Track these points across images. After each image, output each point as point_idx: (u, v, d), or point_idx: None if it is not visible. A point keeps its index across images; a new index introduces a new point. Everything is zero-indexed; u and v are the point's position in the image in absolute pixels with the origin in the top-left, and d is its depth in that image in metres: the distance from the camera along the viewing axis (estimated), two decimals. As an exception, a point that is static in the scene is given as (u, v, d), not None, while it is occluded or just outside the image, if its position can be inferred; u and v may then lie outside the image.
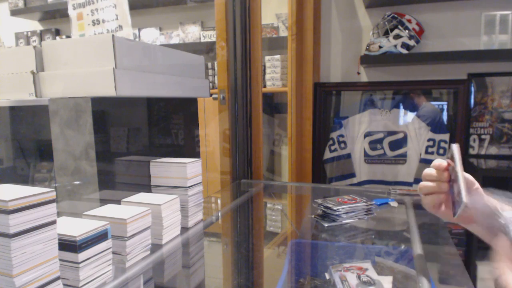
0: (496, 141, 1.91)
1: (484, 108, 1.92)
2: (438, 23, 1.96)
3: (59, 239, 0.63)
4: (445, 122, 1.97)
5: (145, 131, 1.15)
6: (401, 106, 2.04)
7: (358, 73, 2.08)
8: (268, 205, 1.53)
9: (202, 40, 2.62)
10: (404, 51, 1.87)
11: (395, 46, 1.86)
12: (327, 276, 0.82)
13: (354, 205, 1.18)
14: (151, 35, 2.77)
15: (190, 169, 1.03)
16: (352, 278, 0.78)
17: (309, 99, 2.01)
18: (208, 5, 2.59)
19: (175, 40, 2.72)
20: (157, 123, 1.19)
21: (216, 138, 1.74)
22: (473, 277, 1.69)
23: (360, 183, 2.07)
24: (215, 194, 1.64)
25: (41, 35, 3.05)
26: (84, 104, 0.89)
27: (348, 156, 2.09)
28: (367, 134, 2.06)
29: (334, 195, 1.31)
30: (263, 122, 1.82)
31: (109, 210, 0.84)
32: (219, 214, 1.34)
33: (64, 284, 0.66)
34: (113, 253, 0.77)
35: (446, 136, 1.93)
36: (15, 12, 2.97)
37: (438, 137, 1.93)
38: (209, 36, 2.59)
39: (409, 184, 1.98)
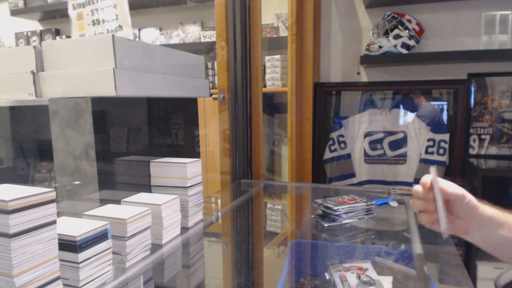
0: (496, 141, 1.91)
1: (484, 108, 1.92)
2: (438, 23, 1.96)
3: (59, 239, 0.63)
4: (445, 122, 1.97)
5: (145, 131, 1.15)
6: (401, 106, 2.04)
7: (358, 73, 2.08)
8: (268, 205, 1.53)
9: (202, 40, 2.62)
10: (404, 51, 1.87)
11: (395, 46, 1.86)
12: (327, 276, 0.82)
13: (354, 205, 1.18)
14: (151, 35, 2.77)
15: (190, 169, 1.03)
16: (352, 278, 0.78)
17: (309, 99, 2.01)
18: (208, 5, 2.59)
19: (175, 40, 2.72)
20: (157, 123, 1.19)
21: (216, 138, 1.74)
22: (473, 277, 1.69)
23: (360, 183, 2.07)
24: (215, 194, 1.64)
25: (41, 35, 3.05)
26: (84, 104, 0.89)
27: (348, 156, 2.09)
28: (367, 134, 2.06)
29: (334, 195, 1.31)
30: (263, 122, 1.82)
31: (109, 210, 0.84)
32: (219, 214, 1.34)
33: (64, 284, 0.66)
34: (113, 253, 0.77)
35: (446, 136, 1.93)
36: (15, 12, 2.97)
37: (438, 137, 1.93)
38: (209, 36, 2.59)
39: (409, 184, 1.98)
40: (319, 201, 1.22)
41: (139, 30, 2.78)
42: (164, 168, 1.04)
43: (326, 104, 2.15)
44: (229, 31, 1.65)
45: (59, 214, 0.66)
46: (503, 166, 1.76)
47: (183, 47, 2.64)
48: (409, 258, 0.90)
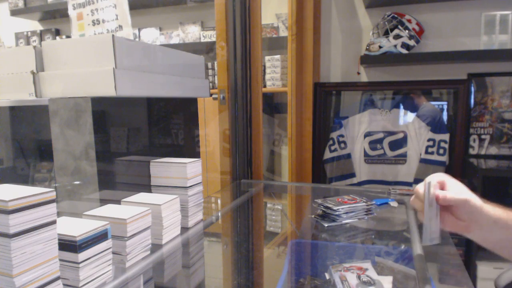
0: (496, 141, 1.91)
1: (484, 108, 1.92)
2: (438, 23, 1.96)
3: (59, 239, 0.63)
4: (445, 122, 1.97)
5: (145, 131, 1.15)
6: (401, 106, 2.04)
7: (358, 73, 2.08)
8: (268, 205, 1.53)
9: (202, 40, 2.62)
10: (404, 51, 1.87)
11: (395, 46, 1.86)
12: (327, 276, 0.82)
13: (354, 205, 1.18)
14: (151, 35, 2.77)
15: (190, 169, 1.03)
16: (352, 278, 0.78)
17: (309, 99, 2.01)
18: (208, 5, 2.59)
19: (175, 40, 2.72)
20: (157, 123, 1.19)
21: (216, 138, 1.74)
22: (473, 277, 1.69)
23: (360, 183, 2.07)
24: (215, 194, 1.64)
25: (41, 35, 3.05)
26: (84, 104, 0.89)
27: (348, 156, 2.09)
28: (367, 134, 2.06)
29: (334, 195, 1.31)
30: (263, 122, 1.82)
31: (109, 210, 0.84)
32: (219, 214, 1.34)
33: (64, 284, 0.66)
34: (113, 253, 0.77)
35: (446, 136, 1.93)
36: (15, 12, 2.97)
37: (438, 137, 1.93)
38: (209, 36, 2.59)
39: (409, 184, 1.98)
40: (319, 201, 1.22)
41: (139, 30, 2.78)
42: (164, 168, 1.04)
43: (326, 104, 2.15)
44: (229, 31, 1.65)
45: (59, 214, 0.66)
46: (503, 166, 1.76)
47: (183, 47, 2.64)
48: (409, 258, 0.90)
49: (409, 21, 1.88)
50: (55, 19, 3.07)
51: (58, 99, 0.90)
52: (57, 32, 3.06)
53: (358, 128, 2.08)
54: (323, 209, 1.18)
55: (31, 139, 1.05)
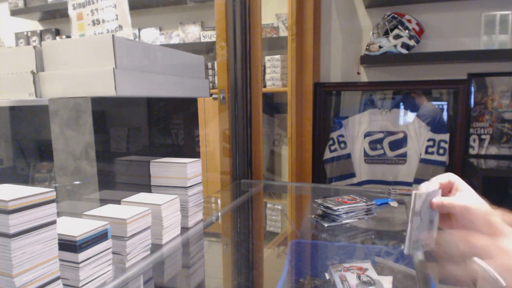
0: (496, 141, 1.91)
1: (484, 108, 1.92)
2: (438, 23, 1.96)
3: (59, 239, 0.63)
4: (445, 122, 1.97)
5: (145, 131, 1.15)
6: (401, 106, 2.04)
7: (358, 73, 2.08)
8: (268, 205, 1.53)
9: (202, 40, 2.62)
10: (404, 51, 1.87)
11: (395, 46, 1.86)
12: (327, 276, 0.82)
13: (354, 205, 1.18)
14: (151, 35, 2.77)
15: (190, 169, 1.03)
16: (352, 278, 0.78)
17: (309, 99, 2.01)
18: (208, 5, 2.59)
19: (175, 40, 2.72)
20: (157, 123, 1.19)
21: (216, 138, 1.74)
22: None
23: (360, 183, 2.07)
24: (215, 194, 1.64)
25: (41, 35, 3.05)
26: (84, 104, 0.89)
27: (348, 156, 2.09)
28: (367, 134, 2.06)
29: (334, 195, 1.31)
30: (263, 122, 1.82)
31: (109, 210, 0.84)
32: (219, 214, 1.34)
33: (64, 284, 0.66)
34: (113, 253, 0.77)
35: (446, 136, 1.93)
36: (15, 12, 2.97)
37: (438, 137, 1.93)
38: (209, 36, 2.59)
39: (409, 184, 1.98)
40: (319, 201, 1.22)
41: (139, 30, 2.78)
42: (164, 168, 1.04)
43: (326, 104, 2.15)
44: (229, 31, 1.65)
45: (59, 214, 0.66)
46: (503, 166, 1.76)
47: (183, 47, 2.64)
48: (409, 258, 0.90)
49: (409, 21, 1.88)
50: (55, 19, 3.07)
51: (58, 99, 0.90)
52: (57, 32, 3.06)
53: (358, 128, 2.09)
54: (323, 209, 1.18)
55: (31, 139, 1.05)
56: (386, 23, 1.89)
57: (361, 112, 2.09)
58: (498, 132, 1.90)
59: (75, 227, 0.69)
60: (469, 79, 1.93)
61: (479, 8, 1.88)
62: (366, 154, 2.06)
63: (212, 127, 1.91)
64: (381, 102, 2.07)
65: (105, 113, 0.97)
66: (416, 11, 1.95)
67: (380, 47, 1.87)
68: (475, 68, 1.92)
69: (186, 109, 1.31)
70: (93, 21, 1.02)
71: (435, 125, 1.95)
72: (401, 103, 2.04)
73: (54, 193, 0.61)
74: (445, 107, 1.99)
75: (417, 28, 1.88)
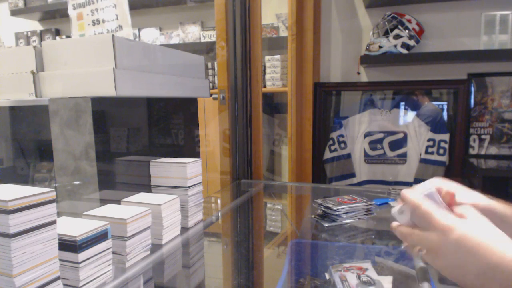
0: (496, 141, 1.91)
1: (484, 108, 1.92)
2: (438, 23, 1.96)
3: (59, 239, 0.63)
4: (445, 122, 1.97)
5: (145, 131, 1.15)
6: (401, 106, 2.04)
7: (358, 73, 2.08)
8: (268, 205, 1.53)
9: (202, 40, 2.62)
10: (404, 51, 1.87)
11: (395, 46, 1.86)
12: (327, 276, 0.82)
13: (354, 205, 1.18)
14: (151, 35, 2.77)
15: (190, 169, 1.03)
16: (352, 278, 0.78)
17: (309, 99, 2.01)
18: (208, 5, 2.59)
19: (175, 40, 2.72)
20: (157, 123, 1.19)
21: (216, 138, 1.74)
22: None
23: (360, 183, 2.07)
24: (215, 194, 1.64)
25: (41, 35, 3.05)
26: (84, 104, 0.90)
27: (348, 156, 2.09)
28: (367, 134, 2.06)
29: (334, 195, 1.31)
30: (263, 122, 1.82)
31: (109, 210, 0.84)
32: (219, 214, 1.34)
33: (64, 284, 0.66)
34: (113, 253, 0.77)
35: (446, 136, 1.93)
36: (15, 12, 2.97)
37: (438, 137, 1.93)
38: (209, 36, 2.59)
39: (409, 184, 1.98)
40: (319, 201, 1.22)
41: (139, 30, 2.78)
42: (164, 168, 1.04)
43: (326, 104, 2.15)
44: (229, 31, 1.65)
45: (59, 214, 0.66)
46: (503, 166, 1.76)
47: (183, 47, 2.64)
48: (409, 258, 0.90)
49: (409, 21, 1.88)
50: (55, 19, 3.07)
51: (58, 99, 0.90)
52: (57, 32, 3.06)
53: (358, 128, 2.09)
54: (323, 209, 1.18)
55: (31, 139, 1.05)
56: (386, 23, 1.89)
57: (361, 112, 2.09)
58: (498, 132, 1.90)
59: (75, 227, 0.69)
60: (469, 79, 1.93)
61: (479, 8, 1.88)
62: (366, 154, 2.06)
63: (212, 127, 1.91)
64: (381, 102, 2.07)
65: (105, 113, 0.97)
66: (416, 11, 1.95)
67: (380, 47, 1.87)
68: (475, 68, 1.92)
69: (186, 109, 1.31)
70: (93, 21, 1.02)
71: (435, 125, 1.95)
72: (401, 103, 2.04)
73: (54, 193, 0.61)
74: (445, 107, 1.99)
75: (417, 28, 1.88)
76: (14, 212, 0.55)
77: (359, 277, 0.79)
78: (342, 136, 2.10)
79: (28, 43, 3.06)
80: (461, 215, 0.52)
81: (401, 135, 2.01)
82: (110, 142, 0.99)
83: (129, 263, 0.81)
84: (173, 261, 0.91)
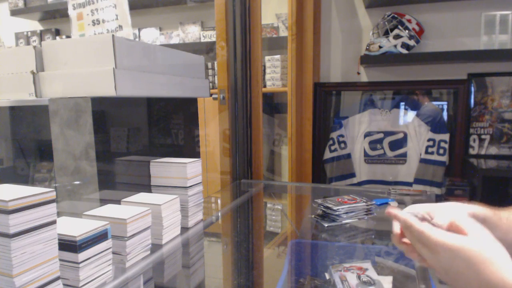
0: (496, 141, 1.91)
1: (484, 108, 1.92)
2: (438, 23, 1.96)
3: (59, 239, 0.63)
4: (445, 122, 1.97)
5: (145, 131, 1.15)
6: (401, 106, 2.04)
7: (358, 73, 2.08)
8: (268, 205, 1.53)
9: (202, 40, 2.62)
10: (404, 51, 1.87)
11: (395, 46, 1.86)
12: (327, 276, 0.82)
13: (354, 205, 1.18)
14: (151, 35, 2.77)
15: (190, 169, 1.03)
16: (352, 278, 0.78)
17: (309, 99, 2.01)
18: (208, 5, 2.59)
19: (175, 40, 2.72)
20: (157, 123, 1.19)
21: (216, 138, 1.74)
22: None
23: (360, 183, 2.07)
24: (215, 194, 1.64)
25: (41, 35, 3.05)
26: (84, 104, 0.90)
27: (348, 156, 2.09)
28: (367, 134, 2.06)
29: (334, 195, 1.31)
30: (263, 122, 1.82)
31: (109, 210, 0.84)
32: (219, 214, 1.34)
33: (64, 284, 0.66)
34: (113, 253, 0.77)
35: (446, 136, 1.93)
36: (15, 12, 2.97)
37: (438, 137, 1.93)
38: (209, 36, 2.59)
39: (409, 184, 1.98)
40: (319, 201, 1.22)
41: (139, 30, 2.78)
42: (164, 168, 1.04)
43: (326, 104, 2.15)
44: (229, 31, 1.65)
45: (59, 214, 0.66)
46: (503, 166, 1.76)
47: (183, 47, 2.64)
48: (409, 258, 0.90)
49: (409, 21, 1.88)
50: (55, 19, 3.07)
51: (58, 99, 0.90)
52: (57, 32, 3.06)
53: (358, 128, 2.09)
54: (323, 209, 1.18)
55: (31, 139, 1.05)
56: (386, 23, 1.89)
57: (361, 112, 2.09)
58: (498, 132, 1.90)
59: (75, 227, 0.69)
60: (469, 79, 1.93)
61: (479, 8, 1.88)
62: (366, 154, 2.06)
63: (212, 127, 1.91)
64: (381, 102, 2.07)
65: (105, 113, 0.97)
66: (416, 11, 1.95)
67: (380, 47, 1.87)
68: (475, 68, 1.92)
69: (186, 109, 1.31)
70: (93, 21, 1.02)
71: (435, 125, 1.95)
72: (401, 103, 2.04)
73: (54, 193, 0.61)
74: (445, 107, 1.99)
75: (417, 28, 1.88)
76: (14, 212, 0.55)
77: (359, 277, 0.79)
78: (342, 136, 2.10)
79: (28, 43, 3.06)
80: (461, 231, 0.52)
81: (401, 135, 2.01)
82: (110, 142, 0.99)
83: (129, 263, 0.81)
84: (173, 261, 0.91)
